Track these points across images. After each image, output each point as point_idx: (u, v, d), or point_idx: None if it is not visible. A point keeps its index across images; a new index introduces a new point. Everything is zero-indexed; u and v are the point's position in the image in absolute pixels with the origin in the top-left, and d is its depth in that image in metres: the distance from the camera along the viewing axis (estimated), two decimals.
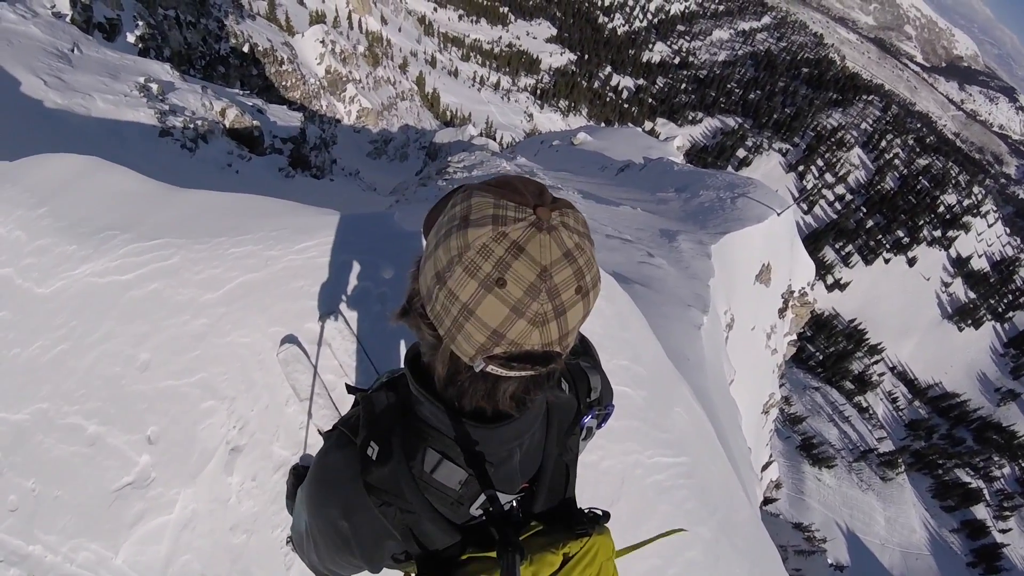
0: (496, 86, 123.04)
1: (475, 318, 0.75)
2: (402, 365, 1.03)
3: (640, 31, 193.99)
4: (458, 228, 0.76)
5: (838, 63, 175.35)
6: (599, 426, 1.23)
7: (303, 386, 2.85)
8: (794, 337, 16.16)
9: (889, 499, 58.32)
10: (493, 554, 0.90)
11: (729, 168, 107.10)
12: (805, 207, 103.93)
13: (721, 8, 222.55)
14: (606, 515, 1.04)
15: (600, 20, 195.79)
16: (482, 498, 0.96)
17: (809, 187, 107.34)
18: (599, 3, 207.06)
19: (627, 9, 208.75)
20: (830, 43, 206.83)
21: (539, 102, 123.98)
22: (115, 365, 3.08)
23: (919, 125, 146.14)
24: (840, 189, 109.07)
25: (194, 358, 3.03)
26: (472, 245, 0.74)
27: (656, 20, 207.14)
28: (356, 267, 3.31)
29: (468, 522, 0.98)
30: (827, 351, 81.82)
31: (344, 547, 1.02)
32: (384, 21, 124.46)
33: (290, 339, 3.02)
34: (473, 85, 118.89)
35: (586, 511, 1.05)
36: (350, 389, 1.13)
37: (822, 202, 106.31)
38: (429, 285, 0.80)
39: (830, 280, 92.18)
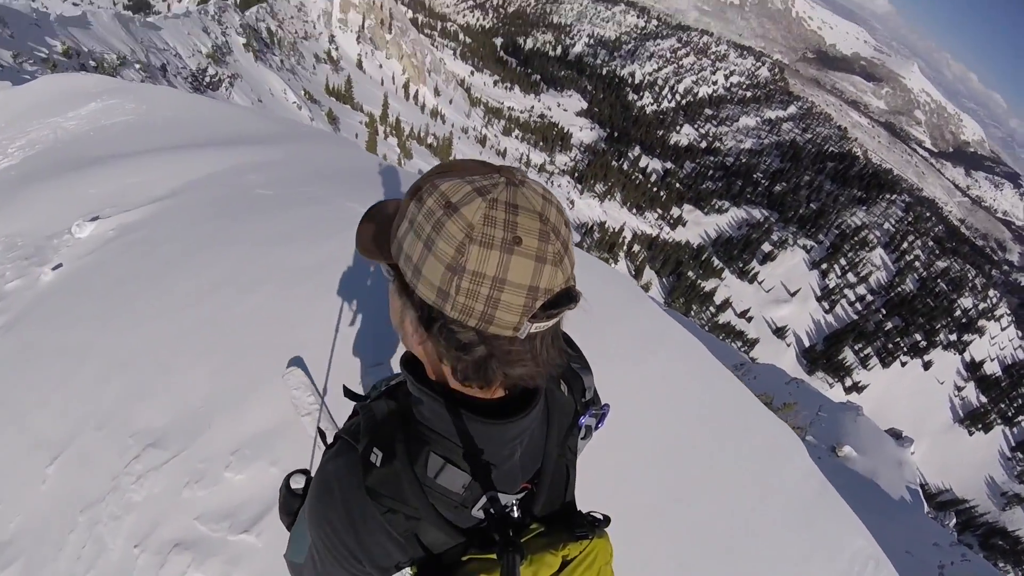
0: (540, 168, 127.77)
1: (509, 284, 0.78)
2: (398, 370, 1.07)
3: (668, 112, 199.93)
4: (447, 215, 0.78)
5: (861, 158, 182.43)
6: (597, 426, 1.31)
7: (304, 404, 3.24)
8: None
9: None
10: (493, 555, 0.93)
11: (754, 263, 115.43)
12: (827, 306, 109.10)
13: (748, 95, 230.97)
14: (606, 519, 1.08)
15: (630, 97, 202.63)
16: (484, 499, 0.99)
17: (831, 286, 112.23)
18: (629, 80, 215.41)
19: (656, 88, 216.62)
20: (853, 137, 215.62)
21: (579, 187, 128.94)
22: None
23: (928, 215, 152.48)
24: (861, 289, 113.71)
25: None
26: (474, 221, 0.77)
27: (684, 102, 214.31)
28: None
29: (470, 524, 1.01)
30: None
31: (350, 557, 1.03)
32: (437, 92, 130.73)
33: (297, 362, 3.49)
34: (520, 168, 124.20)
35: (586, 514, 1.10)
36: (348, 394, 1.24)
37: (843, 302, 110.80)
38: (441, 284, 0.80)
39: (848, 383, 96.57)
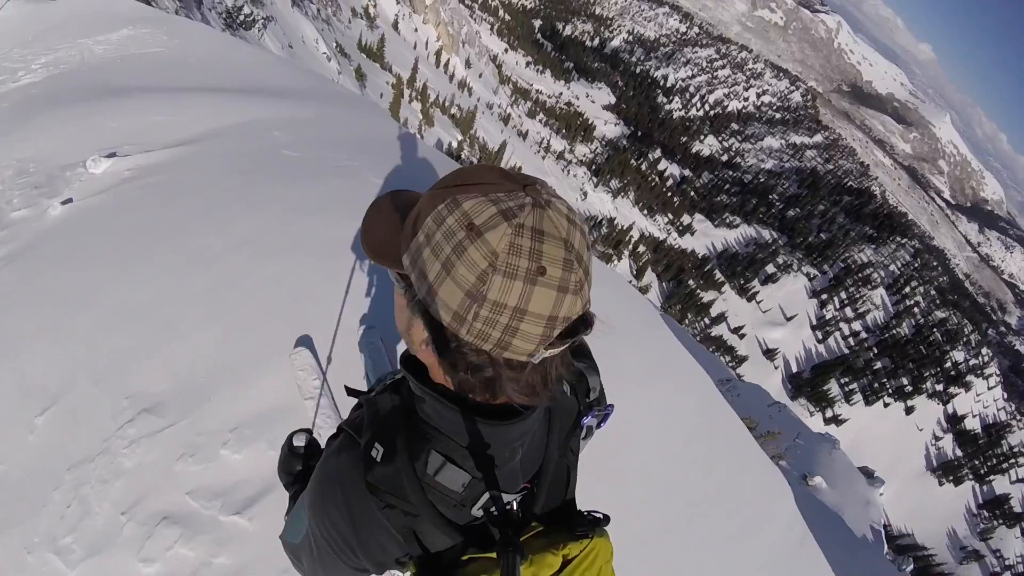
0: (559, 156, 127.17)
1: (529, 315, 0.76)
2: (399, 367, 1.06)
3: (695, 120, 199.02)
4: (470, 239, 0.75)
5: (879, 197, 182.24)
6: (599, 426, 1.34)
7: (309, 387, 3.19)
8: None
9: None
10: (493, 555, 0.93)
11: (756, 282, 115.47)
12: (821, 335, 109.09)
13: (777, 116, 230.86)
14: (606, 518, 1.07)
15: (659, 99, 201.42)
16: (484, 498, 0.99)
17: (828, 317, 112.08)
18: (661, 83, 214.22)
19: (687, 95, 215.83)
20: (874, 176, 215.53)
21: (594, 179, 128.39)
22: None
23: (935, 264, 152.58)
24: (857, 325, 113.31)
25: None
26: (499, 249, 0.74)
27: (712, 113, 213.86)
28: None
29: (469, 523, 1.01)
30: None
31: (347, 550, 1.03)
32: (468, 64, 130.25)
33: (305, 341, 3.44)
34: (539, 152, 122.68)
35: (586, 513, 1.09)
36: (350, 391, 1.25)
37: (838, 334, 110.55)
38: (458, 308, 0.78)
39: (829, 414, 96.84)
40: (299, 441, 1.59)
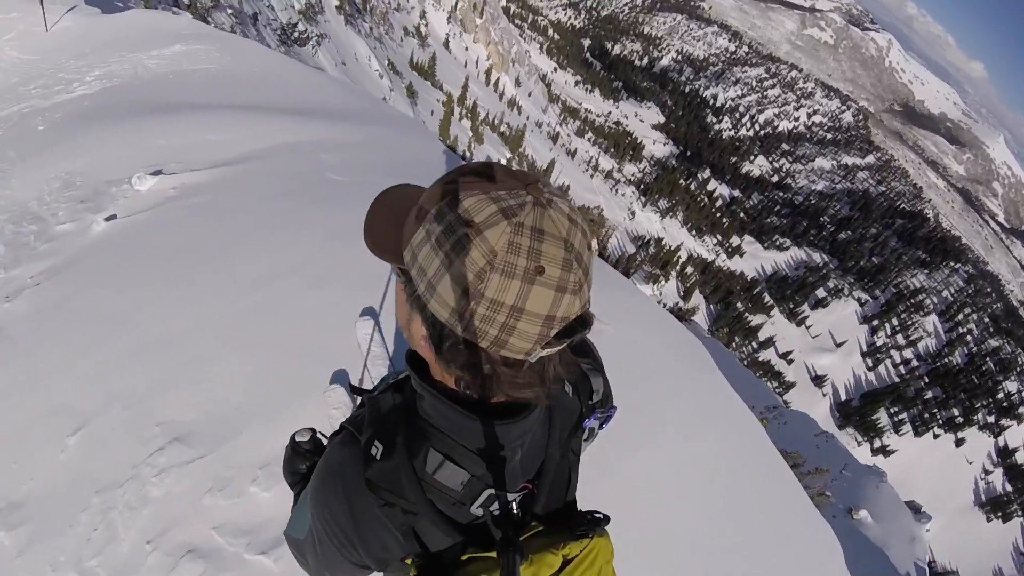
0: (607, 175, 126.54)
1: (526, 314, 0.77)
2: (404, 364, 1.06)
3: (745, 140, 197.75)
4: (469, 236, 0.76)
5: (931, 221, 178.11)
6: (601, 427, 1.33)
7: (338, 421, 3.08)
8: None
9: None
10: (493, 554, 0.93)
11: (805, 306, 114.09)
12: (871, 363, 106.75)
13: (828, 137, 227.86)
14: (606, 518, 1.08)
15: (708, 119, 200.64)
16: (483, 497, 0.98)
17: (879, 344, 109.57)
18: (711, 102, 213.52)
19: (737, 114, 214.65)
20: (927, 198, 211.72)
21: (642, 199, 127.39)
22: None
23: (989, 290, 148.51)
24: (908, 353, 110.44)
25: None
26: (497, 247, 0.75)
27: (762, 133, 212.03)
28: None
29: (469, 522, 1.01)
30: None
31: (349, 546, 1.04)
32: (518, 83, 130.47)
33: (340, 377, 3.46)
34: (587, 170, 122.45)
35: (587, 513, 1.10)
36: (354, 390, 1.28)
37: (888, 362, 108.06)
38: (456, 306, 0.79)
39: (877, 444, 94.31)
40: (303, 437, 1.61)
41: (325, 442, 1.44)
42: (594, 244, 0.86)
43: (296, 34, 47.86)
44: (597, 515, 1.09)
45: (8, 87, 12.50)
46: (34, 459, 3.29)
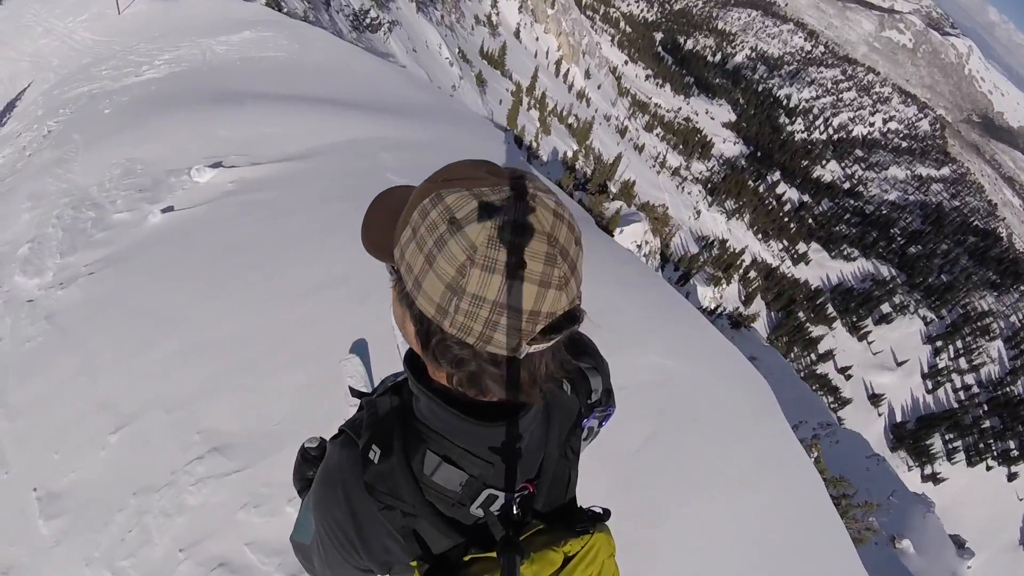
0: (674, 172, 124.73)
1: (510, 309, 0.77)
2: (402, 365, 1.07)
3: (817, 144, 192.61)
4: (451, 232, 0.77)
5: (1005, 241, 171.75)
6: (600, 426, 1.35)
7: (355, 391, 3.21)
8: None
9: None
10: (495, 554, 0.93)
11: (869, 321, 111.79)
12: (931, 385, 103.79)
13: (903, 145, 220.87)
14: (606, 513, 1.08)
15: (781, 119, 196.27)
16: (482, 497, 0.99)
17: (940, 366, 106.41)
18: (784, 102, 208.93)
19: (810, 116, 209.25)
20: (1002, 216, 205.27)
21: (708, 198, 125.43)
22: None
23: None
24: (970, 378, 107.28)
25: None
26: (478, 242, 0.75)
27: (836, 137, 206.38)
28: None
29: (470, 523, 1.02)
30: None
31: (352, 550, 1.05)
32: (587, 75, 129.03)
33: (360, 347, 3.49)
34: (654, 166, 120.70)
35: (586, 509, 1.11)
36: (354, 393, 1.36)
37: (948, 386, 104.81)
38: (440, 301, 0.80)
39: (928, 471, 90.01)
40: (311, 443, 1.63)
41: None
42: (582, 239, 0.86)
43: (368, 20, 47.91)
44: (597, 510, 1.09)
45: (80, 67, 12.95)
46: (76, 453, 3.33)
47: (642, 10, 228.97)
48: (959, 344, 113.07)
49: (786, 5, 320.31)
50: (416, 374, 1.00)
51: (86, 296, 4.41)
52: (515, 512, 1.04)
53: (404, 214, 0.87)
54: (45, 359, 3.95)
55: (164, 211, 5.26)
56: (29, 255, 5.07)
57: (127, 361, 3.75)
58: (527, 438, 1.03)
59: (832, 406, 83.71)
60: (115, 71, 10.85)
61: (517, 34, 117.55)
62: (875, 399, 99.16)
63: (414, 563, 1.01)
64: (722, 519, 3.82)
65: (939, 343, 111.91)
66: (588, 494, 1.25)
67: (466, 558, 0.97)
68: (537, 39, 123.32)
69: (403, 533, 1.00)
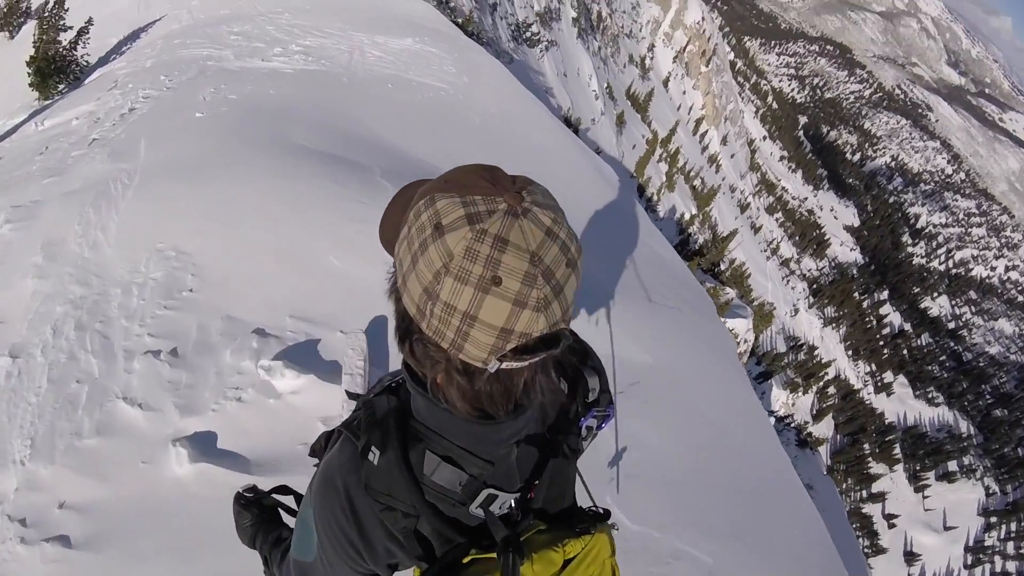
0: (784, 262, 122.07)
1: (480, 322, 0.76)
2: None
3: (934, 273, 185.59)
4: (433, 238, 0.77)
5: None
6: (599, 427, 1.34)
7: (352, 365, 3.18)
8: None
9: None
10: (495, 555, 0.93)
11: (931, 474, 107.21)
12: (970, 560, 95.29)
13: (1020, 299, 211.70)
14: (606, 513, 1.10)
15: (904, 238, 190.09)
16: (482, 497, 0.99)
17: (987, 544, 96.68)
18: (912, 221, 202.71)
19: (934, 243, 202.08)
20: None
21: (810, 299, 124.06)
22: None
23: None
24: (1012, 566, 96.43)
25: None
26: (455, 251, 0.75)
27: (954, 272, 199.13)
28: None
29: (471, 523, 1.02)
30: None
31: (356, 555, 1.03)
32: (724, 141, 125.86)
33: (375, 328, 3.50)
34: (765, 251, 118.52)
35: (587, 509, 1.12)
36: (350, 395, 1.33)
37: (987, 566, 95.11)
38: (419, 303, 0.80)
39: None
40: (248, 491, 1.63)
41: (267, 494, 1.59)
42: (580, 262, 0.84)
43: (528, 34, 48.64)
44: (597, 511, 1.11)
45: (215, 19, 11.39)
46: None
47: (793, 89, 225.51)
48: (1013, 527, 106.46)
49: (936, 121, 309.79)
50: (412, 373, 0.99)
51: None
52: (515, 512, 1.05)
53: (407, 212, 0.87)
54: None
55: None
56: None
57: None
58: (525, 437, 1.04)
59: (865, 550, 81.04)
60: (245, 40, 9.47)
61: (666, 83, 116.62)
62: (911, 557, 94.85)
63: (416, 573, 1.02)
64: None
65: (993, 519, 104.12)
66: None
67: (466, 559, 0.97)
68: (684, 92, 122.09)
69: (404, 534, 0.99)
